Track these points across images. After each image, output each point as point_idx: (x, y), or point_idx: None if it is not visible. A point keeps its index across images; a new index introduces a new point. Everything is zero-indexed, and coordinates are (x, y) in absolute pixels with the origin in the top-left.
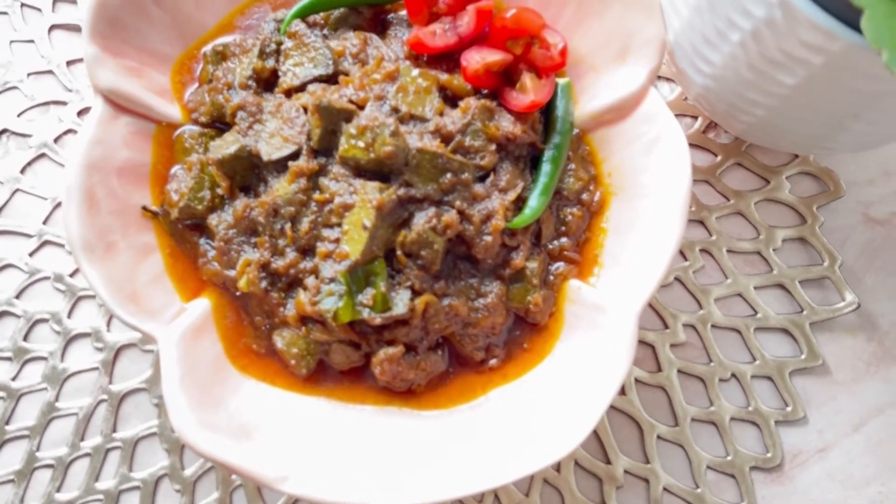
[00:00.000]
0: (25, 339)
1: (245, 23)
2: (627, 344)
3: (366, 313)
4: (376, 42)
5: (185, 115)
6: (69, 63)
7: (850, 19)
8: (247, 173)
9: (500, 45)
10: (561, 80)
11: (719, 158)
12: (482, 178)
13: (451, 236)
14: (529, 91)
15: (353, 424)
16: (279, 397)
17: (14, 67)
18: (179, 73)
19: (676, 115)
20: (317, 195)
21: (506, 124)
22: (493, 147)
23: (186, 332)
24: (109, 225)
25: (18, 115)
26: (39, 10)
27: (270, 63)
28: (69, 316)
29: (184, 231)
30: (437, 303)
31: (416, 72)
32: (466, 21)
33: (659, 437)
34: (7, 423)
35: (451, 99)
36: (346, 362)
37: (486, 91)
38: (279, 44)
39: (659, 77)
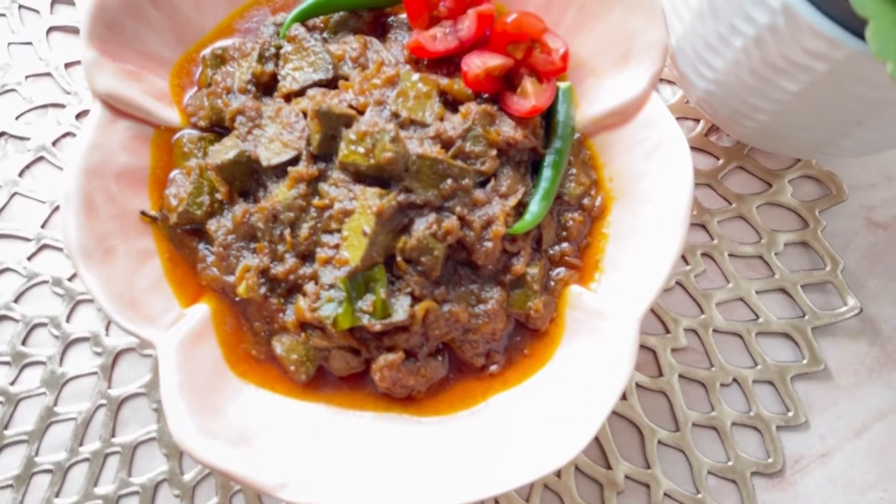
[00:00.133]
0: (24, 343)
1: (244, 26)
2: (629, 350)
3: (365, 320)
4: (376, 46)
5: (184, 119)
6: (67, 65)
7: (854, 27)
8: (246, 178)
9: (501, 49)
10: (562, 85)
11: (721, 162)
12: (483, 184)
13: (452, 242)
14: (530, 96)
15: (352, 431)
16: (278, 403)
17: (12, 70)
18: (178, 77)
19: (678, 118)
20: (316, 201)
21: (507, 129)
22: (493, 152)
23: (185, 337)
24: (108, 230)
25: (16, 118)
26: (37, 11)
27: (270, 67)
28: (68, 320)
29: (183, 236)
30: (438, 309)
31: (416, 76)
32: (467, 25)
33: (660, 442)
34: (6, 427)
35: (451, 103)
36: (345, 368)
37: (486, 95)
38: (278, 48)
39: (660, 80)
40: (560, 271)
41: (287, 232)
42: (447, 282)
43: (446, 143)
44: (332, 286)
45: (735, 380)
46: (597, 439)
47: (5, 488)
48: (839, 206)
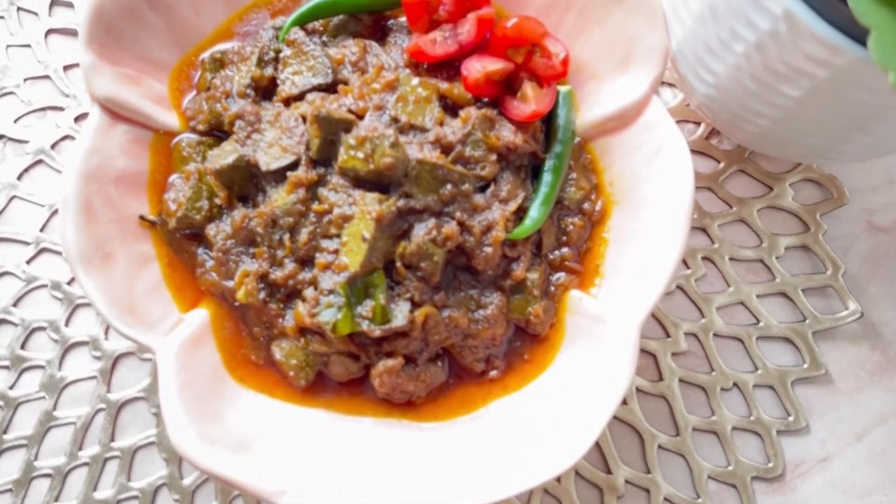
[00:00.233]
0: (23, 347)
1: (243, 29)
2: (629, 356)
3: (365, 325)
4: (376, 50)
5: (183, 123)
6: (66, 68)
7: (856, 33)
8: (245, 183)
9: (501, 53)
10: (562, 88)
11: (722, 165)
12: (482, 189)
13: (451, 248)
14: (531, 100)
15: (352, 436)
16: (278, 409)
17: (10, 72)
18: (177, 81)
19: (679, 121)
20: (316, 206)
21: (507, 134)
22: (493, 157)
23: (184, 343)
24: (107, 235)
25: (15, 121)
26: (36, 14)
27: (269, 71)
28: (67, 324)
29: (182, 241)
30: (437, 314)
31: (415, 81)
32: (467, 29)
33: (660, 446)
34: (5, 432)
35: (451, 108)
36: (345, 374)
37: (486, 99)
38: (278, 52)
39: (661, 82)
40: (560, 276)
41: (286, 237)
42: (447, 287)
43: (446, 148)
44: (331, 291)
45: (735, 384)
46: (597, 444)
47: (5, 493)
48: (840, 209)
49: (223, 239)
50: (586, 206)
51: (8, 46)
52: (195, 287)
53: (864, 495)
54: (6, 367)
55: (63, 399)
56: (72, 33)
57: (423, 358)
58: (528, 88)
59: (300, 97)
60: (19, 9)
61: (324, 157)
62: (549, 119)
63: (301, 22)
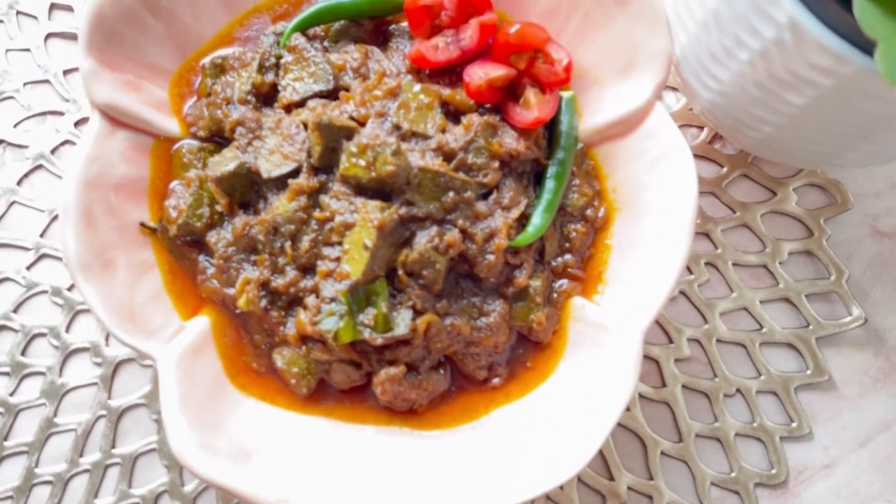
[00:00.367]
0: (23, 353)
1: (244, 34)
2: (632, 364)
3: (367, 333)
4: (377, 55)
5: (184, 129)
6: (66, 72)
7: (862, 43)
8: (246, 190)
9: (504, 59)
10: (565, 94)
11: (725, 170)
12: (485, 196)
13: (454, 255)
14: (533, 107)
15: (353, 445)
16: (279, 417)
17: (10, 77)
18: (178, 86)
19: (681, 126)
20: (317, 213)
21: (509, 141)
22: (496, 164)
23: (186, 351)
24: (107, 242)
25: (15, 126)
26: (35, 17)
27: (270, 77)
28: (67, 330)
29: (182, 248)
30: (439, 322)
31: (417, 87)
32: (469, 35)
33: (663, 452)
34: (5, 438)
35: (453, 114)
36: (346, 381)
37: (488, 105)
38: (279, 57)
39: (664, 87)
40: (563, 283)
41: (288, 244)
42: (449, 294)
43: (448, 156)
44: (333, 299)
45: (739, 390)
46: (599, 450)
47: (5, 500)
48: (844, 214)
49: (224, 246)
50: (589, 212)
51: (7, 51)
52: (196, 294)
53: (867, 502)
54: (6, 374)
55: (64, 406)
56: (72, 37)
57: (425, 366)
58: (531, 95)
59: (301, 104)
60: (18, 12)
61: (325, 164)
62: (551, 125)
63: (302, 27)
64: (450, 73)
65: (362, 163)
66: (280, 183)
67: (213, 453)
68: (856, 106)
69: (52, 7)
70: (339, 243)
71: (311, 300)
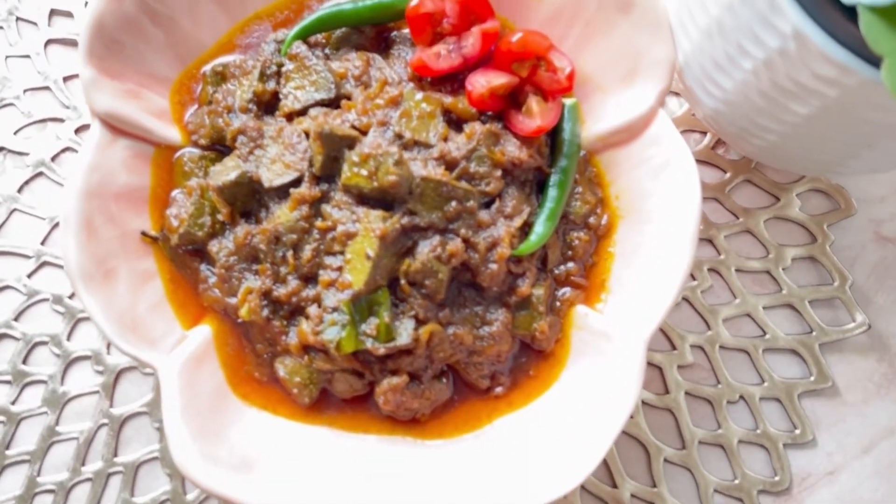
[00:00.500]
0: (25, 362)
1: (245, 41)
2: (635, 373)
3: (369, 343)
4: (379, 63)
5: (185, 137)
6: (66, 79)
7: (866, 53)
8: (248, 199)
9: (506, 67)
10: (568, 101)
11: (728, 175)
12: (487, 205)
13: (456, 265)
14: (536, 115)
15: (356, 454)
16: (281, 427)
17: (10, 84)
18: (179, 94)
19: (684, 131)
20: (319, 222)
21: (511, 149)
22: (498, 173)
23: (187, 360)
24: (108, 251)
25: (15, 133)
26: (35, 24)
27: (271, 85)
28: (69, 338)
29: (184, 256)
30: (442, 332)
31: (419, 95)
32: (471, 42)
33: (666, 460)
34: (7, 447)
35: (455, 122)
36: (349, 391)
37: (490, 113)
38: (280, 65)
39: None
40: (566, 291)
41: (289, 254)
42: (451, 304)
43: (450, 164)
44: (335, 309)
45: (742, 397)
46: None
47: None
48: (847, 220)
49: (226, 255)
50: (592, 220)
51: (7, 57)
52: (198, 303)
53: None
54: (8, 382)
55: (65, 414)
56: (71, 43)
57: (428, 375)
58: (534, 103)
59: (303, 112)
60: (18, 18)
61: (327, 173)
62: (554, 132)
63: (303, 35)
64: (451, 80)
65: (364, 172)
66: (282, 192)
67: (215, 463)
68: (860, 116)
69: (52, 13)
70: (341, 253)
71: (313, 310)
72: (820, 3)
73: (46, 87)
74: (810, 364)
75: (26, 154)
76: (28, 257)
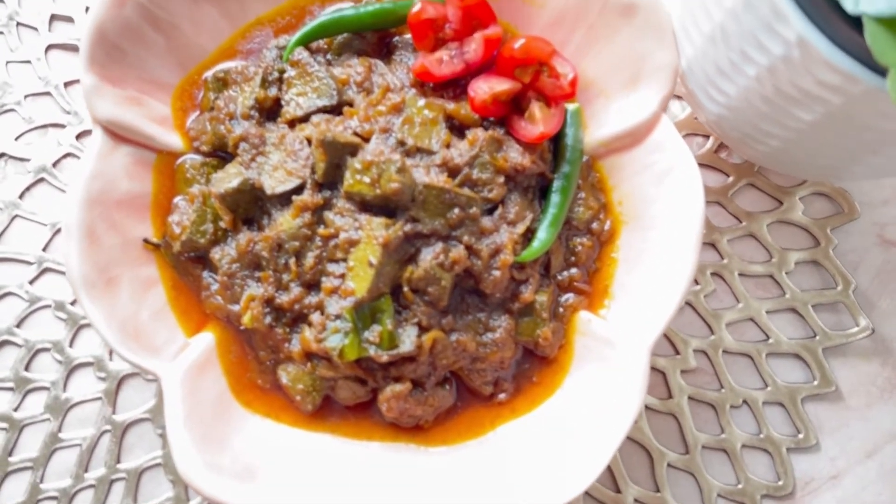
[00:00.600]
0: (27, 368)
1: (246, 47)
2: (639, 380)
3: (372, 351)
4: (381, 69)
5: (187, 144)
6: (67, 84)
7: (871, 61)
8: (250, 206)
9: (509, 73)
10: (570, 106)
11: (731, 179)
12: (490, 211)
13: (459, 272)
14: (538, 121)
15: (359, 461)
16: (284, 434)
17: (11, 89)
18: (180, 100)
19: (687, 135)
20: (321, 230)
21: (514, 155)
22: (501, 179)
23: (190, 368)
24: (110, 259)
25: (16, 139)
26: (36, 29)
27: (273, 92)
28: (71, 345)
29: (186, 263)
30: (445, 339)
31: (422, 102)
32: (474, 48)
33: (669, 464)
34: (10, 454)
35: (457, 128)
36: (352, 398)
37: (493, 119)
38: (282, 72)
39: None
40: (569, 297)
41: (292, 261)
42: (454, 310)
43: (453, 171)
44: (338, 316)
45: (745, 401)
46: None
47: None
48: (851, 223)
49: (228, 263)
50: (595, 225)
51: (8, 62)
52: (200, 310)
53: None
54: (10, 389)
55: (68, 421)
56: (72, 48)
57: (431, 382)
58: (536, 109)
59: (305, 119)
60: (19, 24)
61: (329, 180)
62: (556, 138)
63: (305, 41)
64: (454, 85)
65: (367, 180)
66: (284, 199)
67: (218, 472)
68: (865, 123)
69: (53, 18)
70: (344, 260)
71: (315, 317)
72: (824, 12)
73: (47, 93)
74: (814, 368)
75: (27, 160)
76: (30, 263)
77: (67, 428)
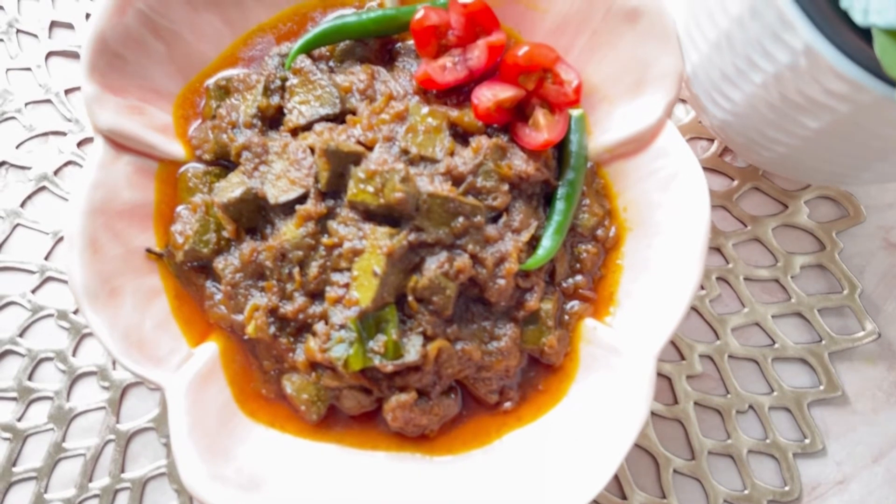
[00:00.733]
0: (30, 378)
1: (248, 54)
2: (645, 388)
3: (377, 360)
4: (384, 76)
5: (189, 152)
6: (67, 91)
7: (880, 70)
8: (253, 215)
9: (512, 79)
10: (574, 112)
11: (736, 183)
12: (494, 219)
13: (464, 281)
14: (543, 128)
15: (364, 471)
16: (289, 444)
17: (11, 97)
18: (182, 108)
19: (691, 139)
20: (325, 239)
21: (518, 163)
22: (505, 187)
23: (194, 379)
24: (113, 269)
25: (17, 147)
26: (36, 36)
27: (275, 100)
28: (74, 354)
29: (189, 273)
30: (450, 348)
31: (425, 110)
32: (477, 55)
33: (675, 470)
34: (14, 464)
35: (461, 135)
36: (357, 407)
37: (497, 126)
38: (284, 80)
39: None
40: (574, 304)
41: (296, 271)
42: (459, 319)
43: (457, 180)
44: (342, 326)
45: (751, 406)
46: None
47: None
48: (857, 227)
49: (232, 272)
50: (600, 232)
51: (8, 70)
52: (204, 320)
53: None
54: (14, 399)
55: (72, 430)
56: (72, 55)
57: (436, 391)
58: (540, 116)
59: (308, 127)
60: (18, 31)
61: (333, 189)
62: (561, 144)
63: (307, 49)
64: (457, 92)
65: (371, 189)
66: (287, 208)
67: (223, 483)
68: (873, 131)
69: (53, 25)
70: (348, 269)
71: (320, 327)
72: (832, 21)
73: (48, 100)
74: (820, 373)
75: (28, 168)
76: (32, 272)
77: (71, 438)
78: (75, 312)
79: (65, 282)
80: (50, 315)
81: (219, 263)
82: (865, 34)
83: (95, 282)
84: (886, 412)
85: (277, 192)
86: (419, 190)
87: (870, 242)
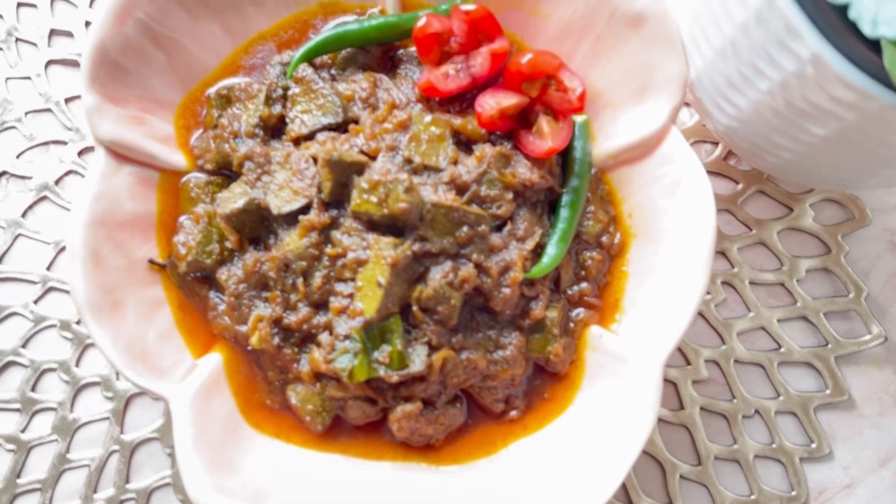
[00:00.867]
0: (33, 389)
1: (249, 62)
2: (652, 396)
3: (382, 371)
4: (386, 84)
5: (191, 162)
6: (68, 100)
7: (886, 79)
8: (256, 226)
9: (516, 86)
10: (578, 118)
11: (740, 186)
12: (499, 228)
13: (469, 290)
14: (547, 136)
15: (370, 481)
16: (294, 455)
17: (12, 106)
18: (183, 118)
19: (696, 142)
20: (329, 249)
21: (522, 171)
22: (509, 195)
23: (199, 390)
24: (116, 281)
25: (17, 157)
26: (35, 44)
27: (277, 109)
28: (77, 364)
29: (193, 283)
30: (455, 357)
31: (428, 118)
32: (480, 62)
33: (682, 476)
34: (18, 476)
35: (464, 143)
36: (362, 417)
37: (500, 133)
38: (286, 88)
39: None
40: (579, 312)
41: (300, 281)
42: (464, 328)
43: (461, 188)
44: (346, 337)
45: (757, 411)
46: None
47: None
48: (862, 230)
49: (235, 283)
50: (605, 239)
51: (7, 79)
52: (207, 331)
53: None
54: (17, 410)
55: (76, 441)
56: (72, 64)
57: (442, 401)
58: (544, 123)
59: (310, 136)
60: (18, 39)
61: (336, 199)
62: (565, 151)
63: (309, 57)
64: (460, 99)
65: (374, 199)
66: (290, 218)
67: (229, 496)
68: (880, 138)
69: (52, 33)
70: (352, 279)
71: (324, 337)
72: (839, 29)
73: (48, 109)
74: (826, 377)
75: (29, 178)
76: (34, 283)
77: (75, 448)
78: (78, 323)
79: (67, 292)
80: (52, 325)
81: (222, 274)
82: (872, 43)
83: (98, 294)
84: (893, 416)
85: (280, 203)
86: (423, 199)
87: (875, 245)
